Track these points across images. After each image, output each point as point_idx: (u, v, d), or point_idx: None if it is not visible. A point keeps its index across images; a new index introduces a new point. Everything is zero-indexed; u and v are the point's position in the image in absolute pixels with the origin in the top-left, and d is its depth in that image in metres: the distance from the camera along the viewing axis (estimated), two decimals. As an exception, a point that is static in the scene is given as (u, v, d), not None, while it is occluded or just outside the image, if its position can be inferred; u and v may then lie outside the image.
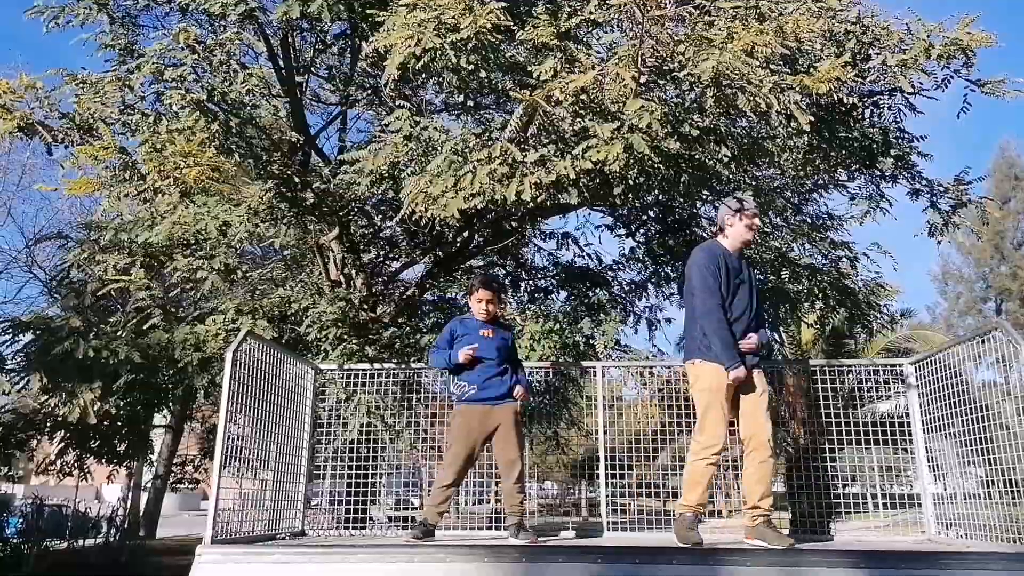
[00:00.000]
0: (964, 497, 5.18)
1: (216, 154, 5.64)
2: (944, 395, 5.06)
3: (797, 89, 4.69)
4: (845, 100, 5.18)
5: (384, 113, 7.57)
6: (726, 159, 5.66)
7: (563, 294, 10.17)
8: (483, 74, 5.43)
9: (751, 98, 4.61)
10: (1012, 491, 4.55)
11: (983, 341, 4.81)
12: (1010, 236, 32.63)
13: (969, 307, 33.06)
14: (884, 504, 6.59)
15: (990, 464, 4.73)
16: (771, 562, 3.79)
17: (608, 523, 5.54)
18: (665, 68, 5.10)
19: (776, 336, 17.25)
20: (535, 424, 9.06)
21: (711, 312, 4.25)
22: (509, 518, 4.67)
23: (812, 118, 4.92)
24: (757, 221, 4.52)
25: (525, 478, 4.85)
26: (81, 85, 5.84)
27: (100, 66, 6.56)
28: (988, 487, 4.89)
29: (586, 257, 9.89)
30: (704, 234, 8.94)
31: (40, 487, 23.86)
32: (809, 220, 8.65)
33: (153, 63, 5.82)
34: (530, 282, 10.26)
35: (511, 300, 9.83)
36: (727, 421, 4.23)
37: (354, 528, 5.84)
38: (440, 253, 9.26)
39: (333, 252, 8.26)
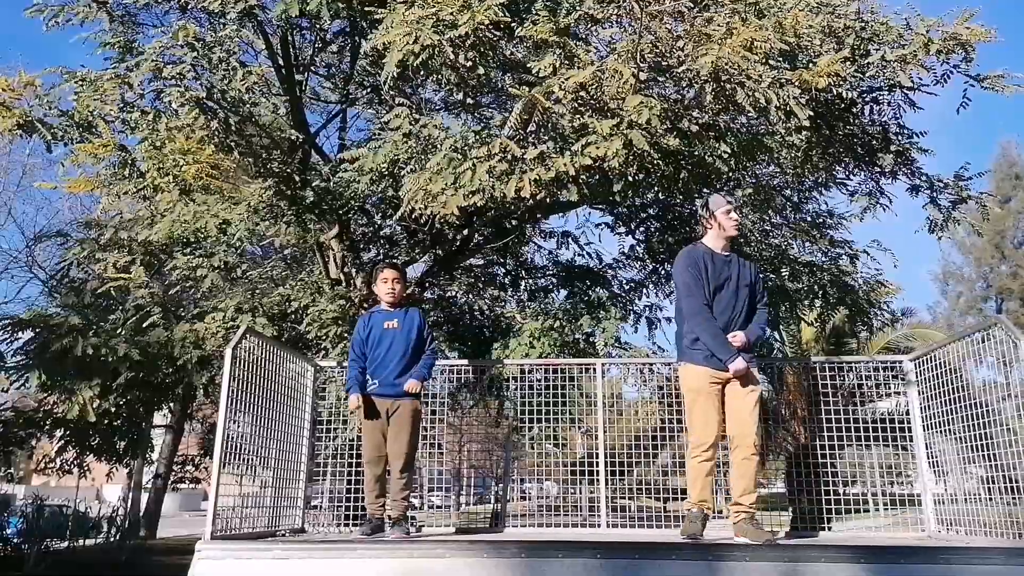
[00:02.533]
0: (964, 495, 5.17)
1: (215, 152, 5.64)
2: (944, 392, 5.05)
3: (796, 84, 4.69)
4: (844, 96, 5.18)
5: (384, 111, 7.57)
6: (725, 155, 5.65)
7: (563, 293, 10.18)
8: (481, 71, 5.44)
9: (750, 93, 4.61)
10: (1012, 487, 4.55)
11: (984, 339, 4.81)
12: (1011, 235, 32.58)
13: (970, 306, 33.01)
14: (884, 504, 6.59)
15: (990, 461, 4.72)
16: (771, 557, 3.78)
17: (608, 522, 5.53)
18: (664, 64, 5.10)
19: (776, 335, 17.26)
20: (536, 424, 9.05)
21: (696, 313, 4.37)
22: (392, 510, 4.77)
23: (811, 113, 4.92)
24: (733, 215, 4.55)
25: (412, 478, 4.97)
26: (80, 83, 5.84)
27: (99, 64, 6.57)
28: (988, 485, 4.89)
29: (586, 256, 9.89)
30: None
31: (40, 487, 23.88)
32: (809, 218, 8.64)
33: (152, 61, 5.82)
34: (530, 281, 10.26)
35: (510, 297, 9.83)
36: (716, 419, 4.31)
37: (354, 525, 5.83)
38: (440, 252, 9.26)
39: (333, 250, 8.26)
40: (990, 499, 4.88)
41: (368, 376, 4.88)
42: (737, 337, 4.35)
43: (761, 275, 4.71)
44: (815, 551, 3.85)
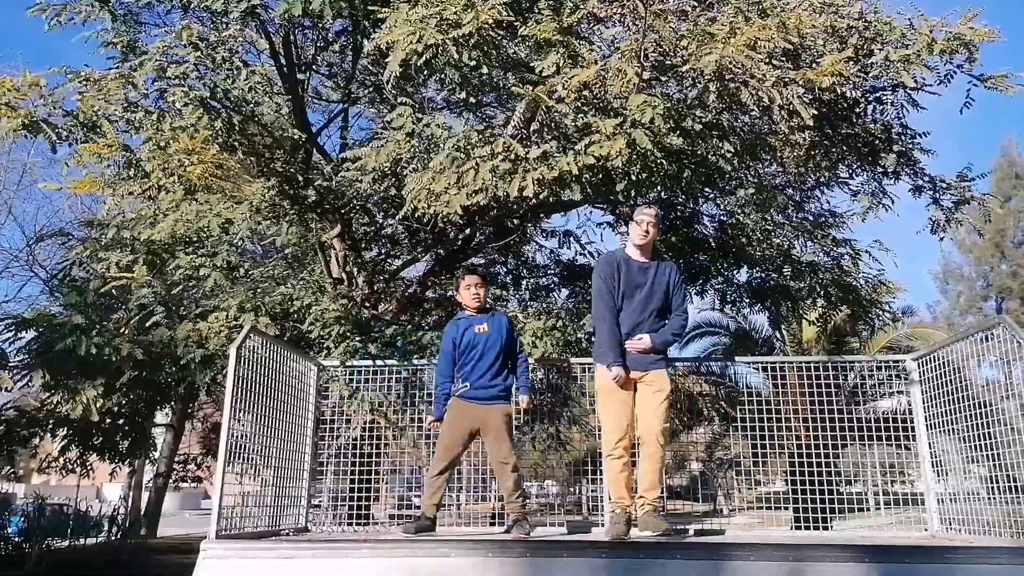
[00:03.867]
0: (967, 495, 5.17)
1: (219, 152, 5.64)
2: (948, 391, 5.05)
3: (800, 83, 4.69)
4: (848, 95, 5.18)
5: (386, 110, 7.57)
6: (729, 154, 5.65)
7: (564, 292, 10.19)
8: (485, 70, 5.44)
9: (754, 92, 4.61)
10: (1015, 487, 4.55)
11: (987, 338, 4.81)
12: (1011, 235, 32.58)
13: (970, 306, 33.00)
14: (886, 503, 6.59)
15: (993, 461, 4.73)
16: (776, 556, 3.79)
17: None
18: (668, 63, 5.10)
19: (777, 334, 17.25)
20: (536, 423, 9.07)
21: (599, 317, 4.59)
22: (509, 516, 4.80)
23: (815, 112, 4.92)
24: (643, 226, 4.61)
25: (521, 477, 4.94)
26: (84, 83, 5.83)
27: (102, 64, 6.54)
28: (991, 484, 4.89)
29: (587, 255, 9.89)
30: (705, 231, 8.95)
31: (41, 486, 23.88)
32: (811, 217, 8.64)
33: (156, 60, 5.82)
34: (532, 280, 10.26)
35: (512, 296, 9.83)
36: (626, 418, 4.45)
37: (358, 524, 5.84)
38: (442, 251, 9.26)
39: (335, 250, 8.26)
40: (992, 498, 4.88)
41: (460, 377, 4.90)
42: (643, 340, 4.50)
43: (682, 281, 4.83)
44: (819, 550, 3.86)
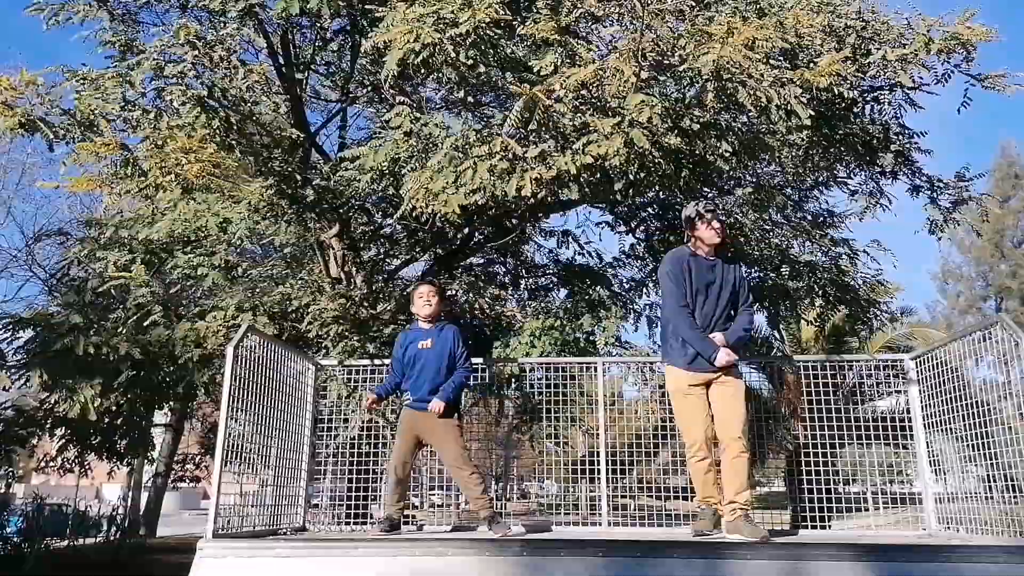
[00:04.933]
0: (964, 494, 5.17)
1: (217, 150, 5.64)
2: (945, 391, 5.05)
3: (798, 83, 4.69)
4: (845, 95, 5.18)
5: (384, 110, 7.56)
6: (727, 154, 5.65)
7: (563, 292, 10.18)
8: (482, 69, 5.44)
9: (752, 92, 4.61)
10: (1012, 485, 4.55)
11: (984, 337, 4.81)
12: (1010, 235, 32.62)
13: (969, 306, 33.05)
14: (884, 503, 6.58)
15: (990, 460, 4.73)
16: (773, 555, 3.79)
17: (609, 521, 5.53)
18: (666, 63, 5.10)
19: (775, 334, 17.25)
20: (535, 423, 9.07)
21: (676, 314, 4.51)
22: (480, 513, 4.91)
23: (813, 112, 4.92)
24: (716, 224, 4.61)
25: (481, 478, 5.06)
26: (82, 81, 5.83)
27: (99, 64, 6.54)
28: (989, 484, 4.89)
29: (586, 255, 9.89)
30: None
31: (40, 486, 23.85)
32: (809, 217, 8.64)
33: (154, 59, 5.81)
34: (530, 280, 10.26)
35: (511, 296, 9.83)
36: (702, 419, 4.42)
37: (355, 524, 5.83)
38: (440, 251, 9.26)
39: (333, 249, 8.26)
40: (989, 498, 4.88)
41: (406, 389, 5.16)
42: (717, 338, 4.46)
43: (746, 278, 4.80)
44: (817, 549, 3.86)
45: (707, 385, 4.46)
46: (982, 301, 33.28)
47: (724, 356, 4.38)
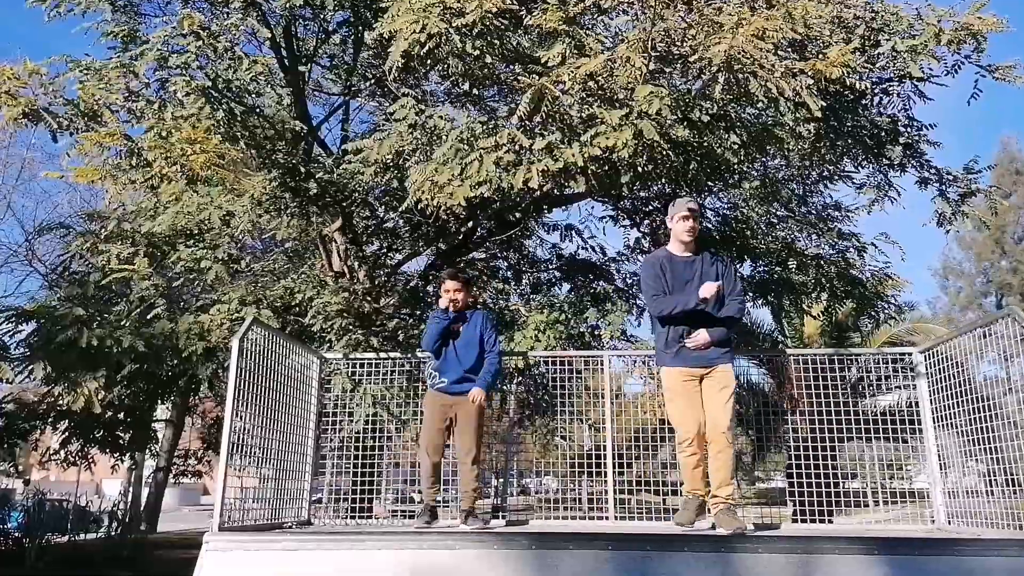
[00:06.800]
0: (973, 488, 5.14)
1: (221, 142, 5.60)
2: (955, 384, 5.01)
3: (809, 74, 4.65)
4: (855, 87, 5.13)
5: (387, 103, 7.52)
6: (735, 146, 5.60)
7: (566, 287, 10.14)
8: (488, 60, 5.39)
9: (763, 83, 4.56)
10: (1021, 479, 4.52)
11: (987, 333, 4.77)
12: (1011, 231, 32.56)
13: (969, 302, 32.99)
14: (886, 499, 6.55)
15: (999, 454, 4.69)
16: (783, 548, 3.76)
17: (615, 515, 5.51)
18: (675, 54, 5.05)
19: (780, 329, 17.20)
20: (536, 417, 9.04)
21: (651, 302, 4.65)
22: (462, 503, 4.94)
23: (823, 103, 4.88)
24: (689, 222, 4.62)
25: (481, 467, 5.14)
26: (85, 72, 5.78)
27: (102, 56, 6.48)
28: (998, 477, 4.86)
29: (589, 249, 9.85)
30: (708, 226, 8.89)
31: (41, 481, 23.85)
32: (815, 211, 8.60)
33: (157, 50, 5.77)
34: (533, 274, 10.22)
35: (514, 290, 9.79)
36: (693, 414, 4.49)
37: (360, 517, 5.81)
38: (443, 245, 9.21)
39: (336, 243, 8.22)
40: (997, 492, 4.84)
41: (436, 372, 5.14)
42: (699, 335, 4.50)
43: (737, 270, 4.80)
44: (828, 542, 3.84)
45: (700, 380, 4.54)
46: (983, 297, 33.22)
47: (706, 289, 4.40)
